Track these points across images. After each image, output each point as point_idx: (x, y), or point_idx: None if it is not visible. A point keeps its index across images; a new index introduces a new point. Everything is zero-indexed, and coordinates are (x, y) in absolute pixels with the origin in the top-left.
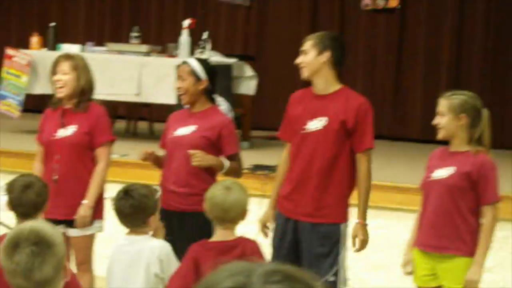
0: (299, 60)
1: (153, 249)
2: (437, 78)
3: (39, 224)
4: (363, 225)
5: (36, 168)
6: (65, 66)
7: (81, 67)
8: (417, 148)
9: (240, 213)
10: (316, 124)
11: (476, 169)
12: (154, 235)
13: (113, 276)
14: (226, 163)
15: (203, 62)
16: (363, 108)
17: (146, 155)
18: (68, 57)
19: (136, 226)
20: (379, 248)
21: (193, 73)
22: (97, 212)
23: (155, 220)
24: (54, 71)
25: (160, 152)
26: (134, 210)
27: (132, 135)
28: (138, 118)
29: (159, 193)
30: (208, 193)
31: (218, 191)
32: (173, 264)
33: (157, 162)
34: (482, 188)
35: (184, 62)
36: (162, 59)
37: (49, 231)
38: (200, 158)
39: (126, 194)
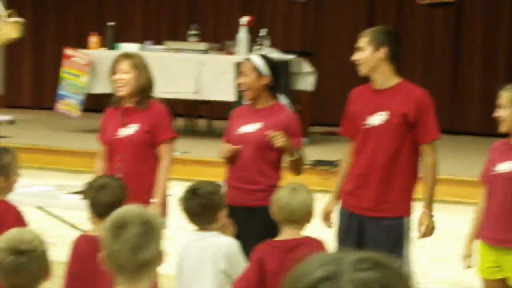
0: (356, 57)
1: (220, 246)
2: (495, 71)
3: (142, 207)
4: (429, 214)
5: (98, 167)
6: (124, 65)
7: (140, 66)
8: (476, 142)
9: (305, 215)
10: (377, 119)
11: None
12: (222, 232)
13: (182, 272)
14: (296, 153)
15: (266, 58)
16: (424, 100)
17: (234, 151)
18: (127, 56)
19: (205, 223)
20: (440, 242)
21: (255, 69)
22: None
23: (222, 216)
24: (114, 71)
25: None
26: (202, 209)
27: (191, 132)
28: (197, 116)
29: (224, 188)
30: (275, 196)
31: (285, 193)
32: (240, 261)
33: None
34: None
35: (247, 59)
36: (220, 57)
37: (153, 214)
38: (282, 138)
39: (193, 193)
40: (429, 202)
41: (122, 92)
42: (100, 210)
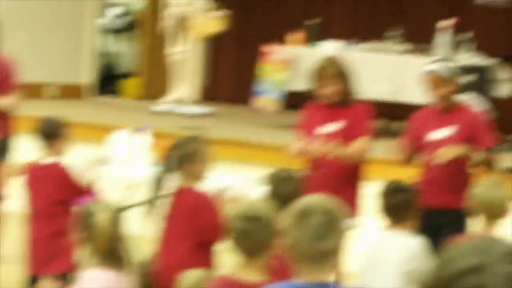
0: None
1: (406, 248)
2: None
3: (326, 197)
4: None
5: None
6: (330, 74)
7: (346, 74)
8: None
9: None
10: None
11: None
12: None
13: (367, 270)
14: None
15: (451, 65)
16: None
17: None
18: (332, 62)
19: (399, 221)
20: None
21: (441, 78)
22: None
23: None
24: (319, 76)
25: None
26: (403, 205)
27: (387, 134)
28: (395, 117)
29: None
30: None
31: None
32: (424, 262)
33: None
34: None
35: (431, 70)
36: (418, 59)
37: (336, 205)
38: (450, 152)
39: (397, 189)
40: None
41: (329, 100)
42: (280, 201)
